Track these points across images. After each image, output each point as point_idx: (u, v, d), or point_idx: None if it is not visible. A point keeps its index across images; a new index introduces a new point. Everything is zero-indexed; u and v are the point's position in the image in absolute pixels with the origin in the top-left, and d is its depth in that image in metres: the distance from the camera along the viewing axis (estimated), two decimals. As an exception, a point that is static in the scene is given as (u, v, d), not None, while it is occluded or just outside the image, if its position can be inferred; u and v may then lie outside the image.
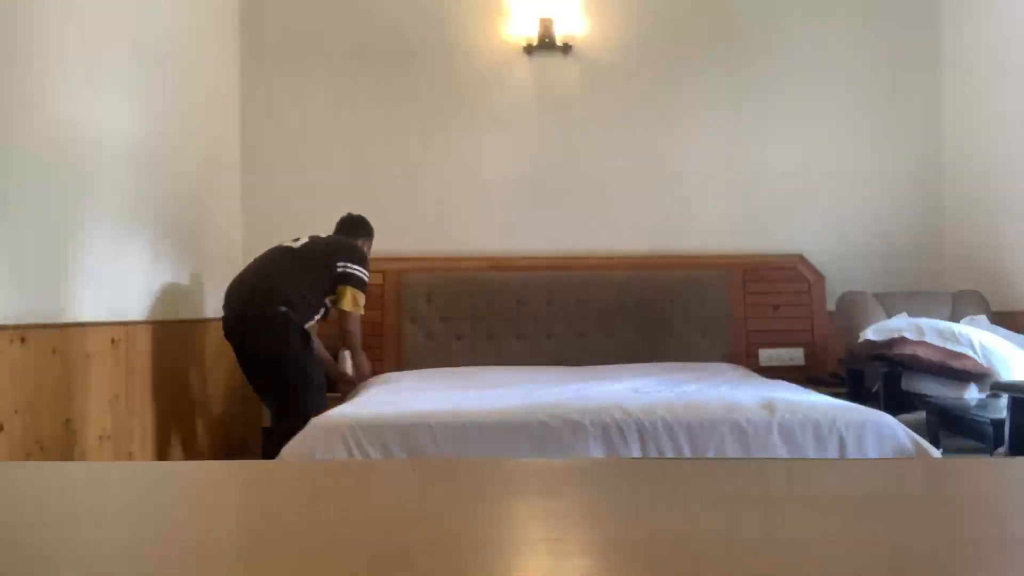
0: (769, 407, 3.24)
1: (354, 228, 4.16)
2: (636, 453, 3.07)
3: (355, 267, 3.90)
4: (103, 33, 3.39)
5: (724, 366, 4.51)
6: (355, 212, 4.22)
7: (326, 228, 4.12)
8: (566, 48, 5.01)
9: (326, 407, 3.67)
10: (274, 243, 4.06)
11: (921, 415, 3.68)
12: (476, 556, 0.67)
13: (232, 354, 3.94)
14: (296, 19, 5.02)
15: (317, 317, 3.92)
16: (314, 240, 4.00)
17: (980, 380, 3.74)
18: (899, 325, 4.02)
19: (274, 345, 3.79)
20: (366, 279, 3.94)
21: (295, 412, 3.70)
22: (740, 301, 4.90)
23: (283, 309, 3.76)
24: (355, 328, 3.99)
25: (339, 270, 3.87)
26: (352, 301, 3.89)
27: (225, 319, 3.85)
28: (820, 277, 4.93)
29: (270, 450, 3.69)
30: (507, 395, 3.92)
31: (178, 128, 4.08)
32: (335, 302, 3.90)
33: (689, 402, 3.55)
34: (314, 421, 3.22)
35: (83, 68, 3.22)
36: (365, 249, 4.12)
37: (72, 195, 3.12)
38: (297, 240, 4.01)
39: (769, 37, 5.07)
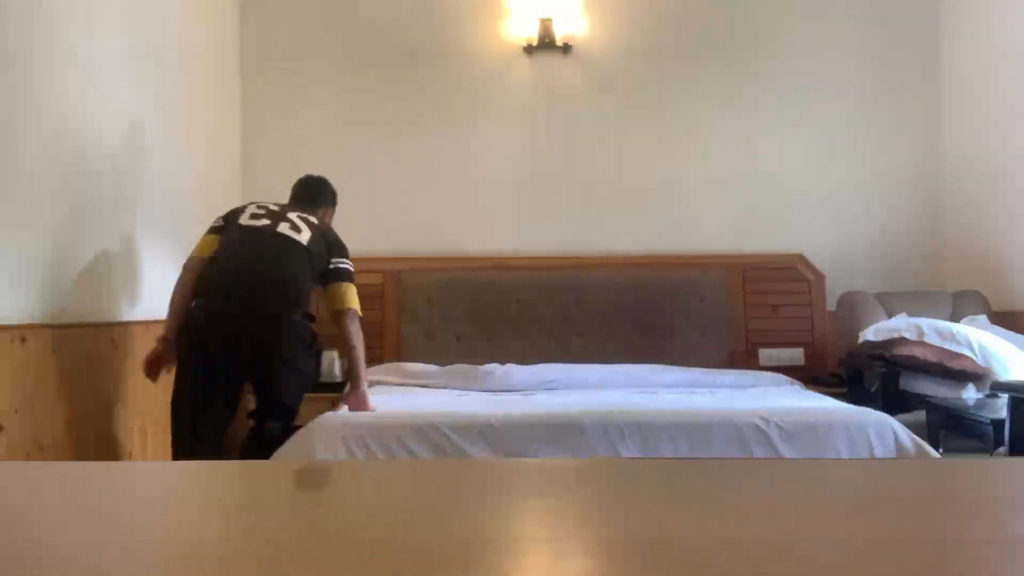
0: (769, 409, 3.24)
1: (313, 194, 3.60)
2: (636, 453, 3.07)
3: (345, 262, 3.40)
4: (103, 33, 3.39)
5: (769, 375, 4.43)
6: (314, 175, 3.71)
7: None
8: (566, 48, 5.01)
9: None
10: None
11: (921, 415, 3.68)
12: (476, 556, 0.67)
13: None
14: (296, 19, 5.02)
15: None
16: (308, 224, 3.39)
17: (978, 380, 3.74)
18: (899, 325, 4.02)
19: (293, 360, 3.20)
20: (353, 271, 3.42)
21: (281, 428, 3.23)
22: (740, 301, 4.90)
23: (301, 316, 3.25)
24: (358, 330, 3.36)
25: (332, 266, 3.36)
26: (353, 298, 3.34)
27: (216, 314, 3.17)
28: (820, 277, 4.93)
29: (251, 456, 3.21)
30: (509, 396, 3.93)
31: (178, 128, 4.08)
32: (330, 301, 3.37)
33: (689, 404, 3.57)
34: (315, 421, 3.22)
35: (83, 68, 3.22)
36: (328, 220, 3.58)
37: (72, 195, 3.12)
38: (262, 214, 3.38)
39: (770, 37, 5.07)
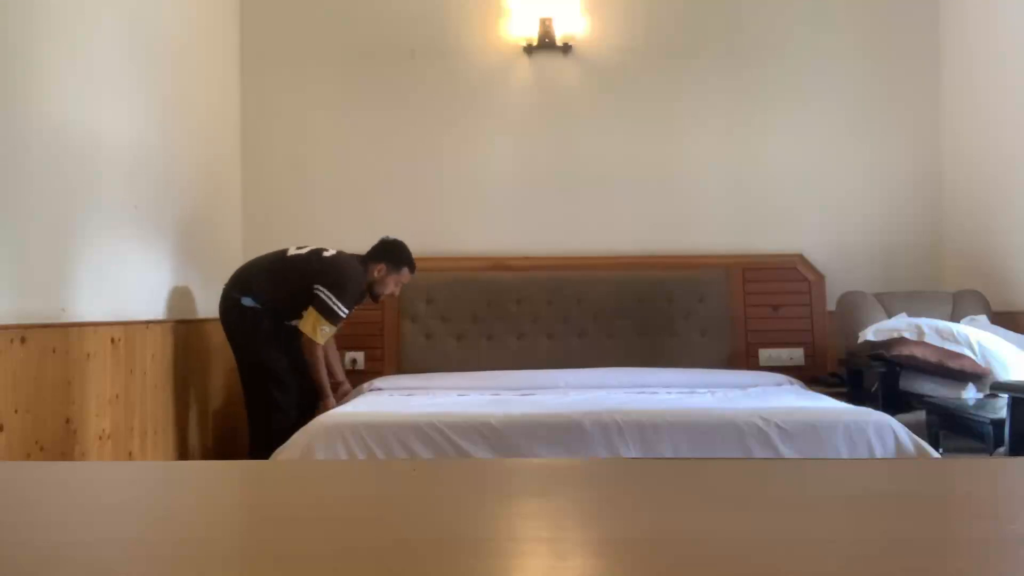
0: (769, 409, 3.24)
1: (372, 250, 4.02)
2: (636, 453, 3.07)
3: (327, 293, 3.74)
4: (103, 33, 3.39)
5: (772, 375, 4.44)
6: (391, 238, 4.05)
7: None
8: (566, 48, 5.01)
9: (291, 415, 3.72)
10: (274, 243, 4.07)
11: (921, 415, 3.68)
12: (476, 556, 0.67)
13: (231, 353, 3.96)
14: (296, 19, 5.02)
15: (296, 322, 3.82)
16: (312, 252, 3.90)
17: (978, 380, 3.74)
18: (898, 325, 4.02)
19: (238, 337, 3.86)
20: (336, 309, 3.75)
21: (266, 411, 3.78)
22: (740, 301, 4.90)
23: (248, 301, 3.80)
24: (313, 356, 3.80)
25: (314, 291, 3.75)
26: (310, 326, 3.74)
27: None
28: (820, 277, 4.93)
29: (252, 454, 3.74)
30: (509, 396, 3.93)
31: (178, 128, 4.08)
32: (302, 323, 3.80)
33: (689, 404, 3.57)
34: (314, 421, 3.23)
35: (83, 68, 3.22)
36: (376, 273, 3.94)
37: (72, 195, 3.12)
38: (302, 248, 3.93)
39: (769, 37, 5.07)
